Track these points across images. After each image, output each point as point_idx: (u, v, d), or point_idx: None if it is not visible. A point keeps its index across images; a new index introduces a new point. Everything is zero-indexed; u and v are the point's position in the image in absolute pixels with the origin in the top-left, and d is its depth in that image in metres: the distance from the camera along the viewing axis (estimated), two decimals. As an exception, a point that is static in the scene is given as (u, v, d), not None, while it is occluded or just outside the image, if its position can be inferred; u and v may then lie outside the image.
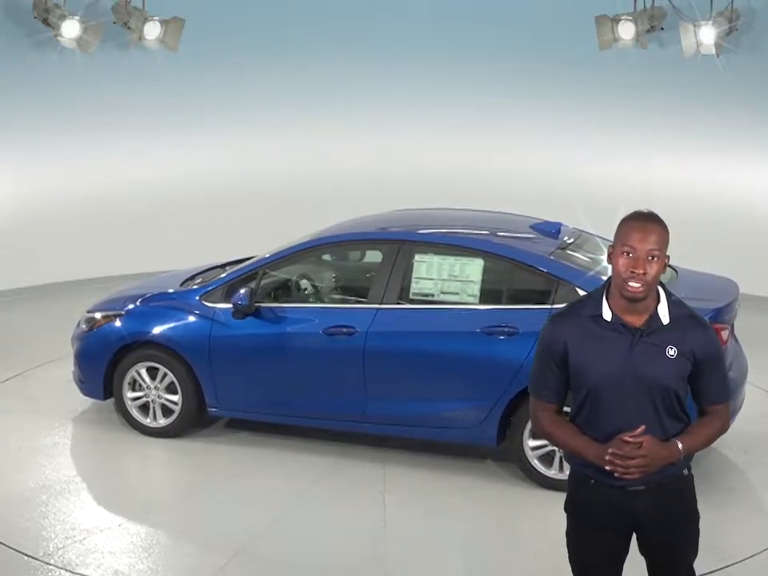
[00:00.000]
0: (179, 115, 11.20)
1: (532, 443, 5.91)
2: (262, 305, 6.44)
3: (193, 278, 7.22)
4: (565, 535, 3.52)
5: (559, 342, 3.32)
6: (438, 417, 6.13)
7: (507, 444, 6.07)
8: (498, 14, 11.12)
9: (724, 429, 3.40)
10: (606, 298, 3.30)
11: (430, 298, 6.19)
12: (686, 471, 3.38)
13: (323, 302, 6.65)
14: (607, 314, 3.28)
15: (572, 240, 6.61)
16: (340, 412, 6.36)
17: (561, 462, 5.83)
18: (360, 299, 6.41)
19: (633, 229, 3.20)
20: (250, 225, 10.87)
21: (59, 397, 7.40)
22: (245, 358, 6.52)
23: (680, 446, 3.23)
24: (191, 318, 6.63)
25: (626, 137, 11.00)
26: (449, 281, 6.16)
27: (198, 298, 6.68)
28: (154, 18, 10.18)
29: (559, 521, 5.55)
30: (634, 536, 3.44)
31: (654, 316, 3.26)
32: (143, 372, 6.77)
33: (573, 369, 3.31)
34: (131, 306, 6.92)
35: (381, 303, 6.22)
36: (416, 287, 6.22)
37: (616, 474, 3.20)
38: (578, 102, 11.10)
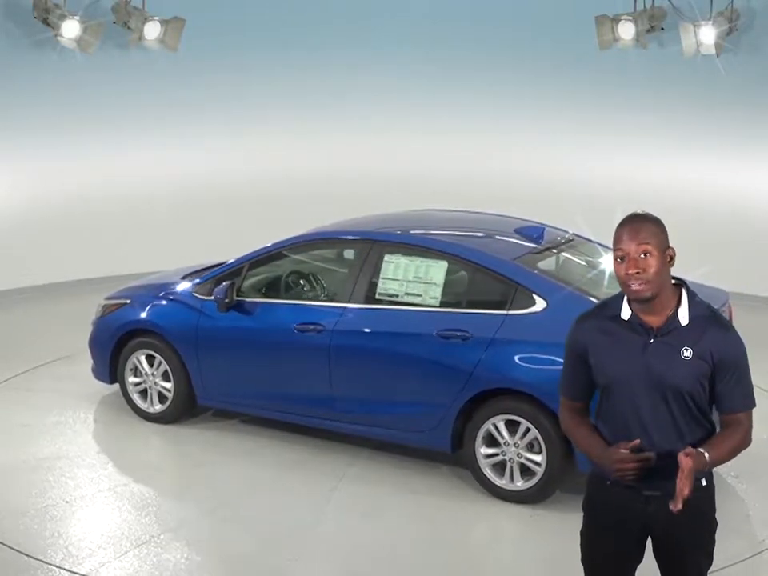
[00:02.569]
0: (179, 115, 11.19)
1: (485, 451, 5.84)
2: (246, 299, 6.60)
3: (201, 271, 7.32)
4: (579, 534, 3.52)
5: (580, 341, 3.36)
6: (396, 418, 6.13)
7: (463, 451, 5.99)
8: (498, 13, 11.11)
9: (746, 442, 3.28)
10: (627, 298, 3.29)
11: (394, 299, 6.17)
12: (704, 481, 3.31)
13: (300, 298, 6.68)
14: (626, 314, 3.27)
15: (556, 245, 6.49)
16: (310, 407, 6.45)
17: (512, 472, 5.77)
18: (332, 297, 6.53)
19: (622, 232, 3.19)
20: (251, 224, 10.86)
21: (86, 383, 7.54)
22: (226, 350, 6.70)
23: (707, 456, 3.14)
24: (183, 309, 6.85)
25: (626, 137, 10.99)
26: (413, 282, 6.14)
27: (191, 290, 6.89)
28: (154, 17, 10.17)
29: (494, 532, 5.63)
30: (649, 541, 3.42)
31: (673, 316, 3.22)
32: (142, 359, 7.02)
33: (593, 368, 3.33)
34: (135, 295, 7.22)
35: (348, 302, 6.28)
36: (382, 287, 6.22)
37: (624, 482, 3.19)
38: (577, 102, 11.09)
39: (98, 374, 7.33)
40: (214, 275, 6.85)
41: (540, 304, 5.71)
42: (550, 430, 5.53)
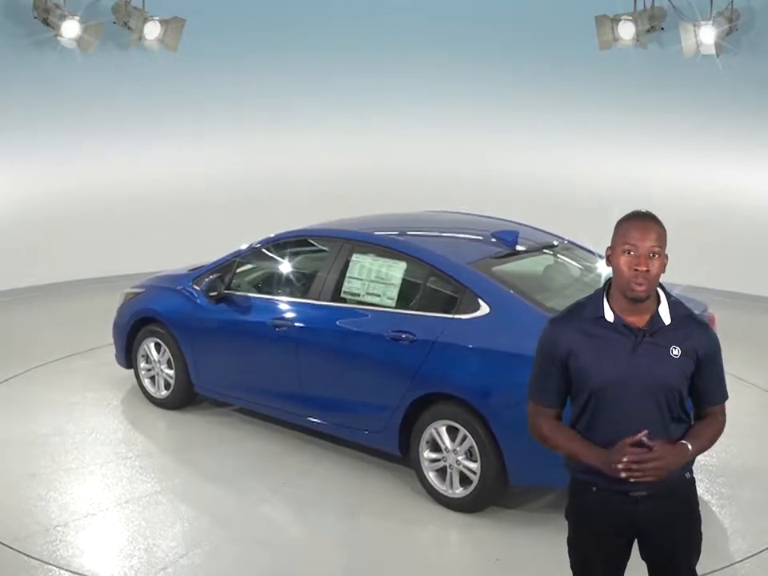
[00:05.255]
0: (179, 115, 11.20)
1: (428, 455, 5.77)
2: (235, 293, 6.78)
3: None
4: (566, 542, 3.49)
5: (561, 345, 3.27)
6: (353, 417, 6.16)
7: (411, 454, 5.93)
8: (497, 13, 11.12)
9: (722, 430, 3.39)
10: (607, 299, 3.27)
11: (356, 298, 6.20)
12: (687, 475, 3.36)
13: (278, 294, 6.74)
14: (609, 315, 3.24)
15: (531, 250, 6.31)
16: (282, 402, 6.56)
17: (451, 478, 5.67)
18: (304, 294, 6.54)
19: (632, 227, 3.18)
20: (252, 223, 10.82)
21: (120, 369, 7.76)
22: (214, 342, 6.94)
23: (689, 447, 3.21)
24: (183, 300, 7.09)
25: (626, 137, 10.99)
26: (374, 282, 6.15)
27: (191, 281, 7.08)
28: (154, 18, 10.18)
29: (424, 537, 5.55)
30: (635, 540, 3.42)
31: (656, 316, 3.24)
32: (152, 346, 7.32)
33: (575, 372, 3.27)
34: (149, 286, 7.52)
35: (317, 299, 6.33)
36: (347, 286, 6.25)
37: (631, 479, 3.13)
38: (578, 102, 11.09)
39: (117, 358, 7.63)
40: (209, 269, 7.03)
41: (484, 309, 5.60)
42: (484, 438, 5.45)
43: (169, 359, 7.18)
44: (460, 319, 5.66)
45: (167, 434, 7.03)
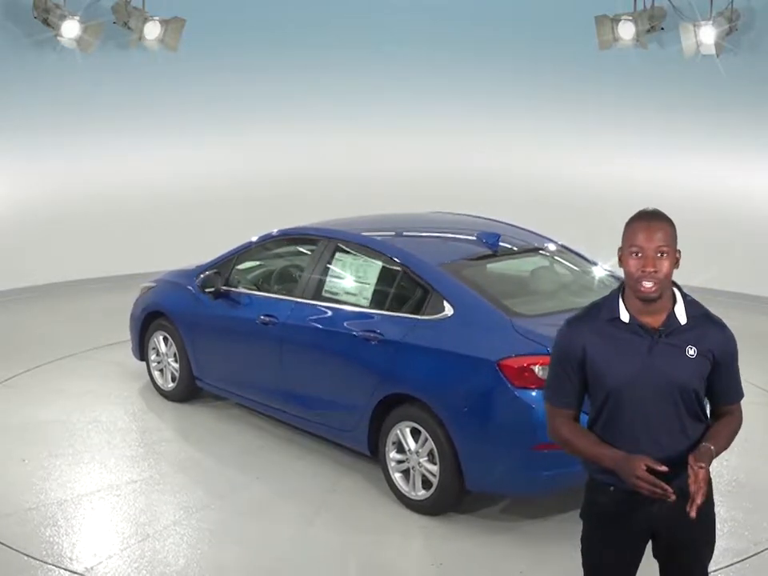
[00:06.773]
0: (179, 115, 11.20)
1: (394, 456, 5.73)
2: (232, 289, 6.87)
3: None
4: (580, 541, 3.48)
5: (577, 346, 3.26)
6: (328, 416, 6.20)
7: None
8: (497, 13, 11.12)
9: (740, 425, 3.38)
10: (622, 300, 3.25)
11: (335, 297, 6.21)
12: None
13: (270, 291, 6.77)
14: (624, 316, 3.23)
15: (512, 252, 6.22)
16: (269, 398, 6.63)
17: (414, 480, 5.61)
18: (290, 292, 6.55)
19: (638, 228, 3.15)
20: (252, 223, 10.81)
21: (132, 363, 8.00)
22: (210, 336, 7.07)
23: (713, 449, 3.17)
24: (186, 296, 7.23)
25: (626, 137, 11.00)
26: (352, 281, 6.18)
27: (194, 277, 7.15)
28: (154, 18, 10.19)
29: (378, 538, 5.46)
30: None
31: (672, 316, 3.22)
32: (161, 339, 7.49)
33: (591, 373, 3.25)
34: (161, 281, 7.69)
35: (300, 297, 6.37)
36: (328, 285, 6.28)
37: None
38: (578, 102, 11.09)
39: (133, 351, 7.83)
40: (210, 265, 7.12)
41: (448, 311, 5.56)
42: (443, 441, 5.38)
43: (175, 353, 7.32)
44: (425, 320, 5.64)
45: (166, 425, 7.10)
